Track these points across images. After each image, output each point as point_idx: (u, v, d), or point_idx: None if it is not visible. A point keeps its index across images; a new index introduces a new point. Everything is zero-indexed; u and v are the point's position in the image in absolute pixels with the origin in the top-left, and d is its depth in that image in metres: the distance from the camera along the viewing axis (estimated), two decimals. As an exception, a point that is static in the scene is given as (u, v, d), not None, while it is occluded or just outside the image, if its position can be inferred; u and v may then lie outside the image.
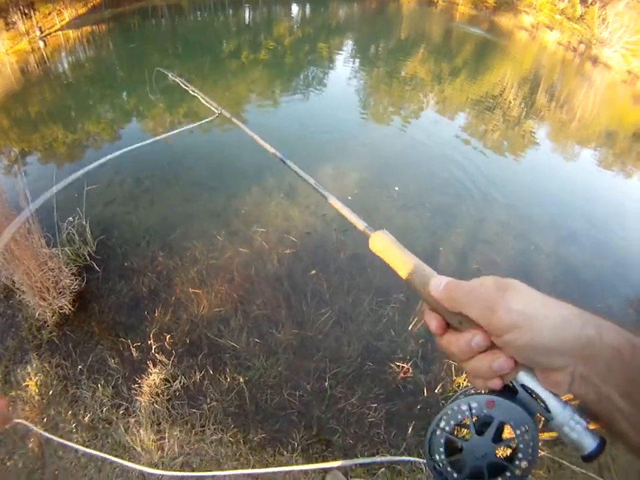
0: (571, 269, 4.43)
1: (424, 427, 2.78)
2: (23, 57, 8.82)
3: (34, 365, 3.03)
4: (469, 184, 5.70)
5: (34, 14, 9.77)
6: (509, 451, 0.47)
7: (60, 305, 3.34)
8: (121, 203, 4.42)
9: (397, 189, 5.07)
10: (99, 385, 2.89)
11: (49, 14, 10.68)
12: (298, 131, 6.43)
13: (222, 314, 3.34)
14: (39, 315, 3.29)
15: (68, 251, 3.62)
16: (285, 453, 2.65)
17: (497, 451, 0.46)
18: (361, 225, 0.69)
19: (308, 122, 7.01)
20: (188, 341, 3.13)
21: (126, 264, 3.73)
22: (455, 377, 3.06)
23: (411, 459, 2.66)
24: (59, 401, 2.87)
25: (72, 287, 3.46)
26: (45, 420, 2.78)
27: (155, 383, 2.83)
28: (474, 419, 0.47)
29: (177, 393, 2.85)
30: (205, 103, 2.13)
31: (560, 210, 5.62)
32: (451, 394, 3.00)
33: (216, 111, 2.04)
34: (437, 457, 0.49)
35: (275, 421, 2.80)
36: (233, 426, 2.74)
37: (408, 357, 3.19)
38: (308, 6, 20.03)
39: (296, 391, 2.93)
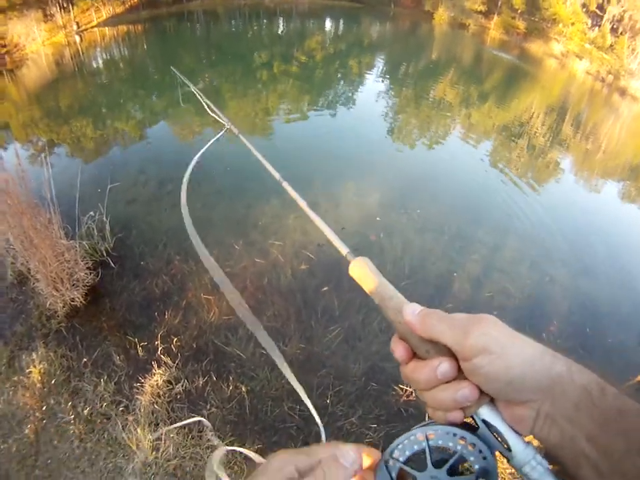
0: (585, 302, 4.37)
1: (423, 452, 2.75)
2: (59, 50, 9.11)
3: (39, 353, 3.09)
4: (489, 210, 5.66)
5: (72, 8, 10.15)
6: None
7: (72, 296, 3.41)
8: (143, 203, 4.53)
9: (418, 211, 5.06)
10: (102, 380, 2.94)
11: (87, 10, 11.08)
12: (323, 145, 6.51)
13: (231, 322, 3.37)
14: (50, 304, 3.37)
15: (85, 245, 3.70)
16: None
17: None
18: (343, 250, 0.69)
19: (333, 137, 7.10)
20: (195, 346, 3.16)
21: (142, 263, 3.80)
22: None
23: None
24: (60, 391, 2.91)
25: (86, 281, 3.53)
26: (43, 408, 2.81)
27: (157, 384, 2.86)
28: (431, 450, 0.45)
29: (178, 396, 2.86)
30: (215, 117, 2.14)
31: (579, 241, 5.54)
32: None
33: (226, 125, 2.05)
34: None
35: (273, 432, 2.81)
36: (230, 434, 2.75)
37: None
38: (341, 21, 20.41)
39: (297, 405, 2.94)
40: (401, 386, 3.11)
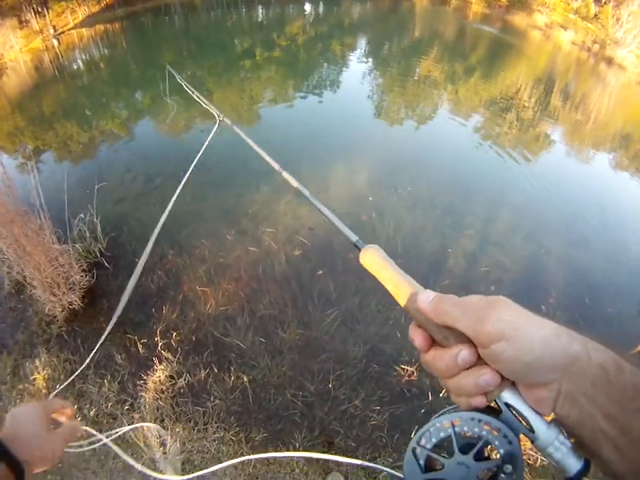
0: (582, 273, 4.35)
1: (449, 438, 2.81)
2: (37, 55, 8.99)
3: (42, 359, 3.10)
4: (480, 184, 5.64)
5: (47, 12, 9.97)
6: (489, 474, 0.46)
7: (70, 300, 3.42)
8: (132, 200, 4.50)
9: (409, 189, 5.03)
10: (105, 381, 2.96)
11: (62, 12, 10.87)
12: (311, 129, 6.45)
13: (228, 313, 3.38)
14: (48, 310, 3.38)
15: (79, 247, 3.70)
16: (288, 453, 2.67)
17: (479, 473, 0.45)
18: (353, 237, 0.69)
19: (321, 121, 7.06)
20: (194, 339, 3.18)
21: (136, 260, 3.77)
22: None
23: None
24: (66, 395, 2.94)
25: (82, 283, 3.54)
26: (51, 413, 2.83)
27: (159, 380, 2.88)
28: (457, 437, 0.46)
29: (182, 391, 2.89)
30: (208, 108, 2.13)
31: (572, 212, 5.52)
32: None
33: (218, 118, 2.04)
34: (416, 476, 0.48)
35: (277, 420, 2.84)
36: (235, 424, 2.78)
37: (413, 360, 3.18)
38: (321, 5, 20.04)
39: (299, 392, 2.97)
40: (403, 366, 3.13)
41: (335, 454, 2.69)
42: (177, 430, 2.69)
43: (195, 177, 4.77)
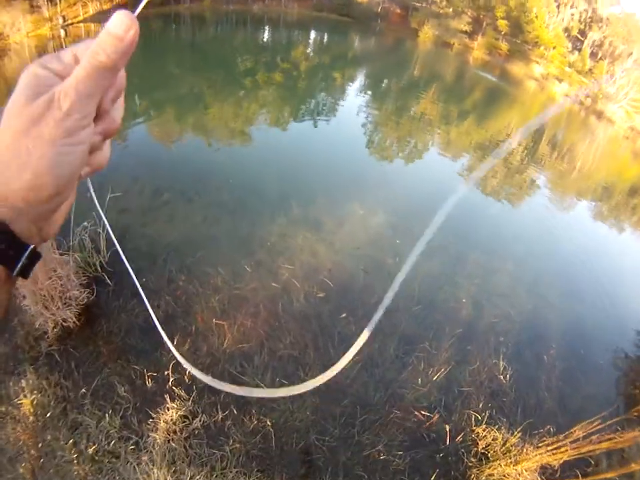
0: (576, 326, 4.68)
1: (445, 474, 2.89)
2: (43, 42, 8.80)
3: (30, 381, 2.85)
4: (478, 231, 5.87)
5: (60, 1, 9.76)
6: None
7: (64, 316, 3.19)
8: (138, 213, 4.33)
9: (398, 242, 5.08)
10: (106, 414, 2.74)
11: (74, 4, 10.76)
12: (303, 156, 6.53)
13: (245, 350, 3.27)
14: (39, 324, 3.12)
15: (78, 258, 3.46)
16: None
17: None
18: None
19: (314, 147, 7.18)
20: (209, 376, 2.99)
21: (140, 281, 3.58)
22: (474, 427, 3.14)
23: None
24: (57, 425, 2.71)
25: (79, 299, 3.30)
26: (39, 445, 2.58)
27: (171, 419, 2.69)
28: None
29: (196, 432, 2.73)
30: None
31: (566, 264, 5.87)
32: (469, 443, 3.08)
33: None
34: None
35: (300, 465, 2.76)
36: (256, 470, 2.67)
37: (433, 406, 3.26)
38: (326, 35, 20.77)
39: (323, 436, 2.91)
40: (422, 412, 3.18)
41: None
42: (192, 474, 2.51)
43: (206, 196, 4.67)
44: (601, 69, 24.81)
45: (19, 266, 0.37)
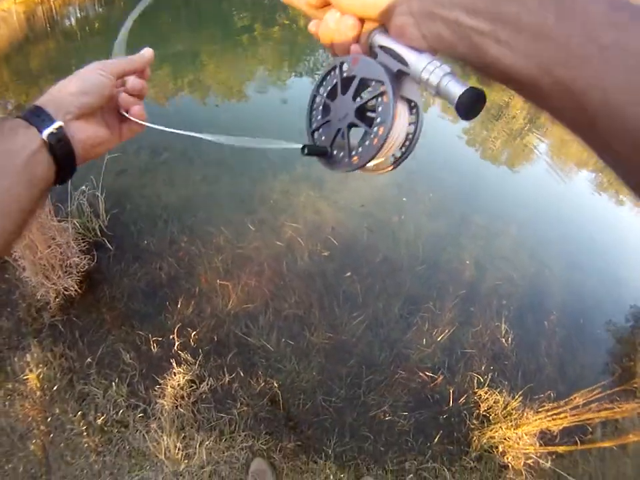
0: (577, 295, 4.38)
1: (448, 436, 2.76)
2: (31, 8, 8.03)
3: (34, 355, 2.62)
4: (482, 193, 5.53)
5: None
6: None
7: (65, 285, 2.93)
8: (136, 174, 3.96)
9: (404, 199, 4.75)
10: (112, 382, 2.54)
11: None
12: (304, 110, 6.02)
13: (250, 310, 3.02)
14: (40, 295, 2.86)
15: (77, 224, 3.15)
16: (319, 460, 2.46)
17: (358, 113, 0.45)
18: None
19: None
20: (215, 339, 2.80)
21: (142, 243, 3.32)
22: (477, 390, 2.97)
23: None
24: (65, 397, 2.51)
25: (80, 266, 3.02)
26: (48, 419, 2.39)
27: (179, 384, 2.48)
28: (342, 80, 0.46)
29: (204, 396, 2.53)
30: None
31: (567, 231, 5.56)
32: (472, 405, 2.94)
33: None
34: (315, 125, 0.52)
35: (307, 427, 2.59)
36: (264, 432, 2.49)
37: (437, 367, 3.07)
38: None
39: (330, 397, 2.73)
40: (427, 373, 2.98)
41: (365, 458, 2.53)
42: (201, 439, 2.33)
43: (206, 155, 4.28)
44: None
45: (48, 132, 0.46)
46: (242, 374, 2.64)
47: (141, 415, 2.42)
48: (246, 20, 10.18)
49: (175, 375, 2.51)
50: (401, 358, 3.06)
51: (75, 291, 2.94)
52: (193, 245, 3.33)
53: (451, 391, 2.90)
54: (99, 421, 2.36)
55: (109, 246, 3.23)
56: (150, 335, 2.72)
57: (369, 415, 2.70)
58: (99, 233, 3.26)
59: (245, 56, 8.17)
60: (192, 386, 2.52)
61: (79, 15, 8.65)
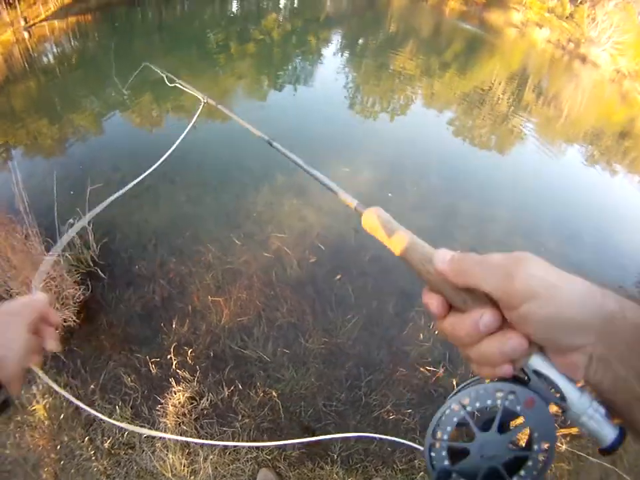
0: (575, 271, 4.43)
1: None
2: (7, 48, 8.25)
3: (40, 386, 2.70)
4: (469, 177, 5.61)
5: (18, 3, 9.03)
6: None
7: (64, 317, 3.02)
8: (122, 202, 4.03)
9: (390, 195, 4.83)
10: (116, 406, 2.63)
11: (34, 3, 9.93)
12: (284, 122, 6.17)
13: (244, 323, 3.12)
14: (40, 329, 2.95)
15: (69, 257, 3.27)
16: (325, 466, 2.51)
17: (508, 445, 0.42)
18: (352, 202, 0.64)
19: (295, 113, 6.83)
20: (211, 354, 2.90)
21: (134, 269, 3.43)
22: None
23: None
24: (72, 425, 2.60)
25: (76, 297, 3.13)
26: (58, 447, 2.49)
27: (179, 402, 2.58)
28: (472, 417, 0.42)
29: (205, 412, 2.63)
30: (191, 92, 2.00)
31: (561, 208, 5.62)
32: None
33: (202, 100, 1.92)
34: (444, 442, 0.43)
35: (311, 433, 2.65)
36: (268, 442, 2.53)
37: (438, 361, 3.13)
38: (296, -1, 19.56)
39: (331, 401, 2.80)
40: (428, 368, 3.05)
41: (372, 460, 2.57)
42: (206, 454, 2.42)
43: (187, 176, 4.41)
44: (582, 13, 23.29)
45: None
46: (241, 386, 2.73)
47: (145, 435, 2.52)
48: (220, 36, 10.33)
49: (175, 394, 2.60)
50: (399, 355, 3.14)
51: (74, 321, 3.05)
52: (183, 265, 3.44)
53: (454, 383, 2.94)
54: (106, 445, 2.45)
55: (102, 275, 3.35)
56: (148, 357, 2.82)
57: (372, 416, 2.75)
58: (91, 264, 3.38)
59: (222, 73, 8.38)
60: (192, 402, 2.62)
61: (55, 50, 8.79)
